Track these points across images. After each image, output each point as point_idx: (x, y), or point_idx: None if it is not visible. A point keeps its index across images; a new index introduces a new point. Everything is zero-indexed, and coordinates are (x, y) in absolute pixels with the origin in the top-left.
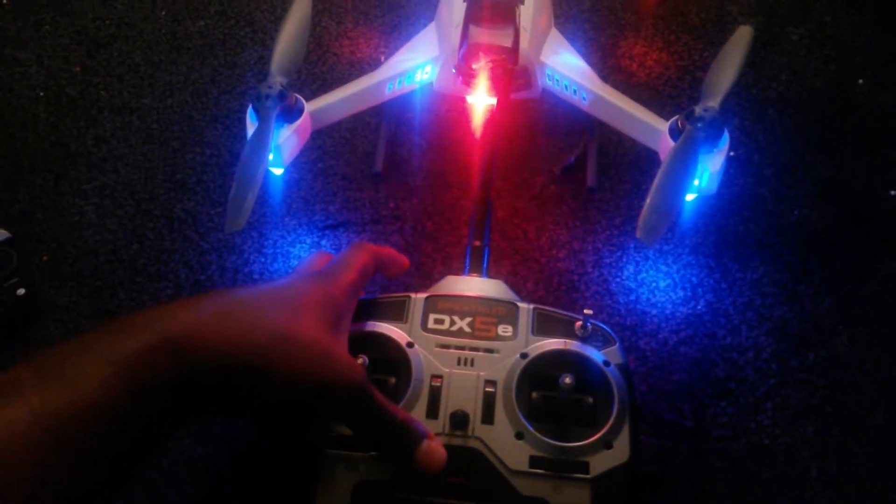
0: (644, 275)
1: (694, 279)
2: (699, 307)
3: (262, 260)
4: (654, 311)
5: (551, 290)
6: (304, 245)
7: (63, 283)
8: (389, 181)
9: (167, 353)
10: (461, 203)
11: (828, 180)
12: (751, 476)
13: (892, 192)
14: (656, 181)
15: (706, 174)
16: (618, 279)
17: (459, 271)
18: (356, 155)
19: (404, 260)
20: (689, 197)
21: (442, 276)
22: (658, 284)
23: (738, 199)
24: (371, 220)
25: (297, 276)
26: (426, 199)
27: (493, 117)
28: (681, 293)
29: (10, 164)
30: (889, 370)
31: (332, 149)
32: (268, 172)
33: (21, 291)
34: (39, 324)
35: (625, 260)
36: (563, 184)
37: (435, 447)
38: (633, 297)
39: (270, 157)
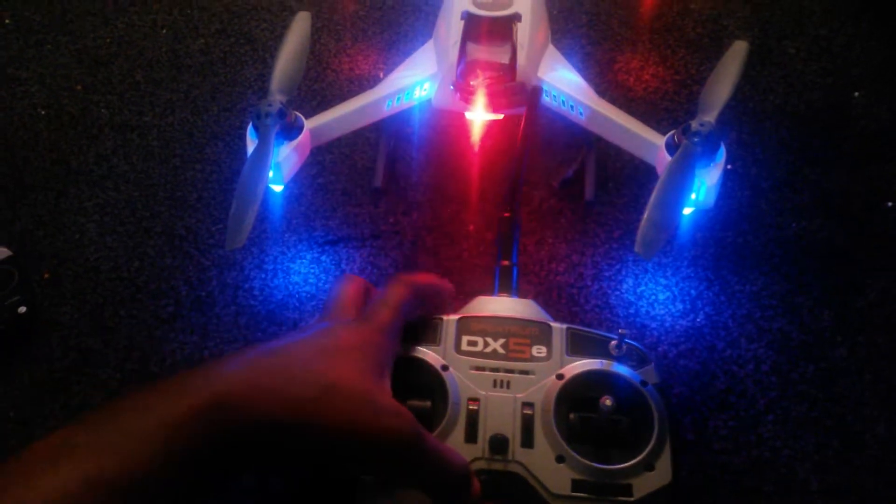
0: (643, 288)
1: (693, 292)
2: (698, 320)
3: (263, 276)
4: (654, 324)
5: (551, 303)
6: (304, 261)
7: (64, 301)
8: (389, 196)
9: (216, 413)
10: (460, 217)
11: (825, 192)
12: (752, 489)
13: (889, 204)
14: (654, 196)
15: (703, 188)
16: (617, 292)
17: (459, 285)
18: (356, 171)
19: (448, 285)
20: (687, 210)
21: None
22: (657, 297)
23: (735, 212)
24: (371, 236)
25: (335, 321)
26: (426, 214)
27: (521, 134)
28: (680, 306)
29: (12, 182)
30: (888, 381)
31: (331, 165)
32: (268, 189)
33: (22, 309)
34: (41, 341)
35: (624, 273)
36: (561, 198)
37: (477, 487)
38: (632, 310)
39: (270, 174)
